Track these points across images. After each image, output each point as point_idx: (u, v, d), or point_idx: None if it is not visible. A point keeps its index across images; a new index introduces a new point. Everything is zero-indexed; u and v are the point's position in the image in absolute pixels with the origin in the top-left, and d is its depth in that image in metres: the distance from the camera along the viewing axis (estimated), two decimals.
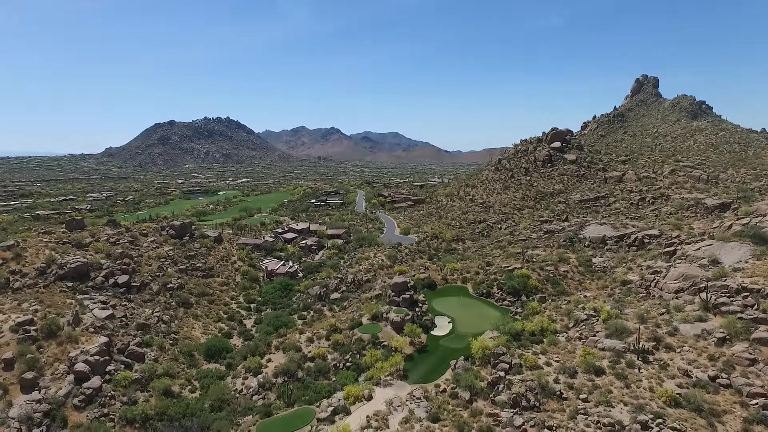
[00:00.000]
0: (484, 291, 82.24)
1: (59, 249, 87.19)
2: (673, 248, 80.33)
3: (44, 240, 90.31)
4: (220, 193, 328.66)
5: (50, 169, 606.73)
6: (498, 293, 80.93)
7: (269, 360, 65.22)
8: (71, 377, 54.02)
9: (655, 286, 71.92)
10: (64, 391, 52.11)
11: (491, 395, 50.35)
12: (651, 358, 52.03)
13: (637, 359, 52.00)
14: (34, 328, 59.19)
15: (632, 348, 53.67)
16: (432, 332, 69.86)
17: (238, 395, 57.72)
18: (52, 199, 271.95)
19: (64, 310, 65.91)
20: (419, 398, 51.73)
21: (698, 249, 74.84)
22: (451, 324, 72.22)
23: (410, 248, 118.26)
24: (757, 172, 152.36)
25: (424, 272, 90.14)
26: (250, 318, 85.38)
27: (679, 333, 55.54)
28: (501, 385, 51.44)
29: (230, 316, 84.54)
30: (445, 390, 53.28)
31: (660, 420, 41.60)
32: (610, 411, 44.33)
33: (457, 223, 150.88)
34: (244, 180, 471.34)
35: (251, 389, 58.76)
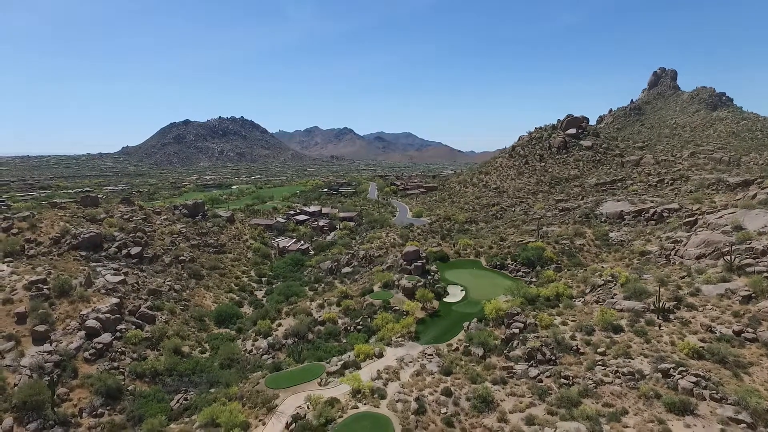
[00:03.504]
0: (498, 263, 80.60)
1: (74, 222, 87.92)
2: (693, 218, 77.81)
3: (59, 214, 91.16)
4: (234, 187, 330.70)
5: (68, 167, 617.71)
6: (512, 265, 79.25)
7: (279, 324, 64.66)
8: (82, 333, 54.05)
9: (675, 255, 69.63)
10: (75, 344, 52.11)
11: (505, 351, 49.00)
12: (672, 316, 50.10)
13: (657, 318, 50.09)
14: (47, 286, 59.48)
15: (652, 308, 51.75)
16: (444, 299, 68.55)
17: (248, 355, 57.18)
18: (70, 191, 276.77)
19: (76, 274, 66.18)
20: (431, 355, 50.53)
21: (720, 217, 72.36)
22: (463, 292, 70.80)
23: (422, 229, 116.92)
24: None
25: (436, 246, 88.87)
26: (260, 290, 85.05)
27: (701, 293, 53.45)
28: (515, 342, 50.01)
29: (241, 287, 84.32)
30: (457, 348, 52.03)
31: (682, 368, 39.83)
32: (629, 362, 42.64)
33: (470, 207, 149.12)
34: (257, 177, 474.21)
35: (261, 349, 58.20)
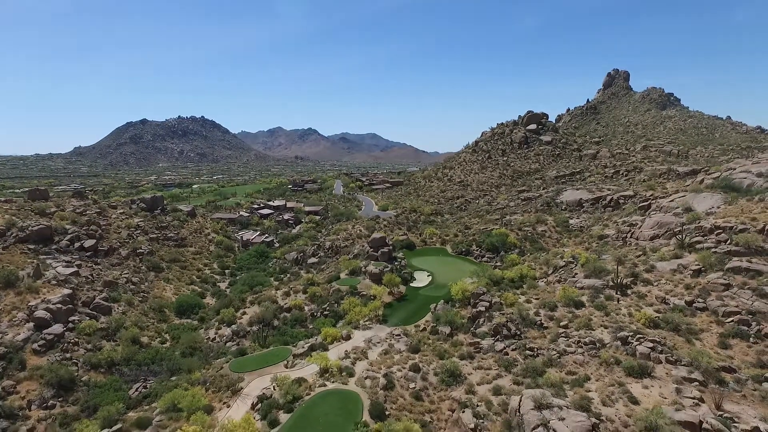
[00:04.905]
0: (463, 249, 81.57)
1: (21, 215, 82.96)
2: (647, 203, 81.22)
3: (5, 207, 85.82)
4: (195, 186, 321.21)
5: (15, 168, 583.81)
6: (477, 251, 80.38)
7: (244, 313, 63.10)
8: (30, 324, 51.00)
9: (631, 237, 72.42)
10: (23, 336, 49.10)
11: (472, 328, 49.56)
12: (629, 291, 51.97)
13: (616, 293, 51.85)
14: None
15: (611, 284, 53.52)
16: (411, 284, 68.68)
17: (211, 343, 55.46)
18: (17, 191, 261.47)
19: (23, 266, 62.42)
20: (399, 335, 50.52)
21: (672, 201, 75.80)
22: (430, 277, 71.19)
23: (389, 220, 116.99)
24: (723, 147, 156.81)
25: (402, 235, 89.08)
26: (224, 281, 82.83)
27: (655, 269, 55.64)
28: (482, 319, 50.70)
29: (203, 279, 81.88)
30: (425, 329, 52.22)
31: (640, 336, 41.36)
32: (590, 333, 43.93)
33: (435, 200, 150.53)
34: (219, 177, 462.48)
35: (225, 337, 56.63)
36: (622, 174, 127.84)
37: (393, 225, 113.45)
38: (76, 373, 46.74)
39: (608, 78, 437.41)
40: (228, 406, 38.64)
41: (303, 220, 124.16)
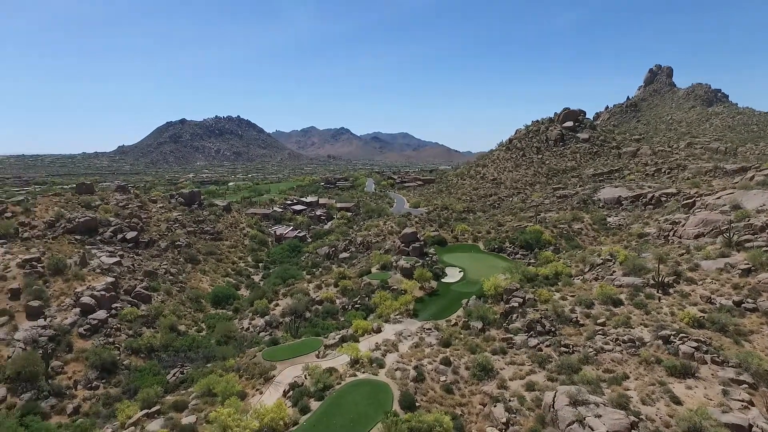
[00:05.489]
0: (496, 246, 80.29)
1: (68, 207, 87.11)
2: (692, 201, 77.83)
3: (54, 200, 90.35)
4: (230, 183, 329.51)
5: (63, 166, 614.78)
6: (510, 248, 79.00)
7: (276, 305, 64.16)
8: (77, 309, 53.49)
9: (673, 235, 69.65)
10: (70, 320, 51.56)
11: (504, 324, 48.73)
12: (671, 290, 49.87)
13: (657, 292, 49.84)
14: (41, 265, 58.90)
15: (651, 282, 51.50)
16: (443, 280, 68.14)
17: (245, 332, 56.69)
18: (65, 186, 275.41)
19: (71, 254, 65.51)
20: (430, 329, 50.19)
21: (719, 198, 72.40)
22: (462, 273, 70.45)
23: (420, 217, 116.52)
24: None
25: (434, 231, 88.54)
26: (257, 274, 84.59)
27: (700, 268, 53.19)
28: (515, 315, 49.77)
29: (238, 272, 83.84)
30: (456, 324, 51.73)
31: (683, 335, 39.58)
32: (629, 331, 42.36)
33: (468, 198, 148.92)
34: (253, 175, 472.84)
35: (258, 327, 57.75)
36: (664, 172, 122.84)
37: (424, 222, 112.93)
38: (118, 357, 48.70)
39: (650, 74, 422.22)
40: (261, 393, 39.33)
41: (335, 216, 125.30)
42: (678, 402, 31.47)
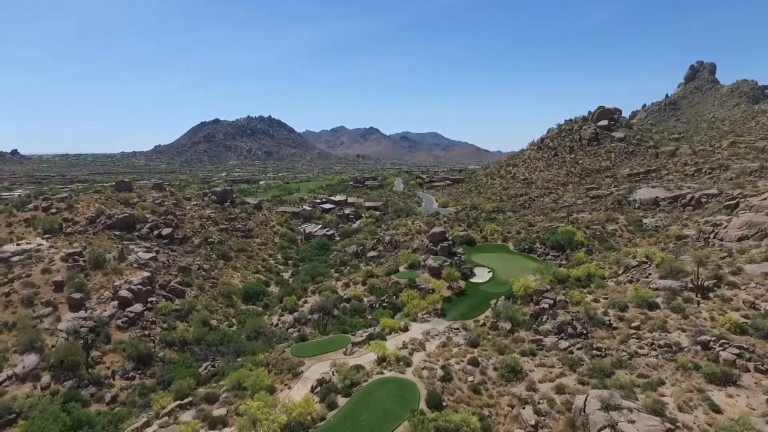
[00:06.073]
0: (526, 247, 78.94)
1: (108, 204, 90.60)
2: (735, 202, 74.42)
3: (95, 197, 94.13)
4: (261, 182, 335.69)
5: (104, 165, 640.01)
6: (541, 248, 77.50)
7: (305, 301, 64.98)
8: (115, 302, 55.57)
9: (714, 237, 66.80)
10: (109, 313, 53.59)
11: (534, 325, 47.85)
12: (711, 294, 47.82)
13: (696, 296, 47.88)
14: (82, 259, 61.44)
15: (690, 286, 49.48)
16: (471, 280, 67.49)
17: (274, 328, 57.62)
18: (105, 184, 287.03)
19: (110, 249, 68.08)
20: (457, 329, 49.80)
21: (765, 199, 68.94)
22: (491, 273, 69.59)
23: (449, 217, 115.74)
24: None
25: (463, 231, 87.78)
26: (287, 271, 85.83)
27: (743, 272, 50.83)
28: (545, 317, 48.81)
29: (268, 269, 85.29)
30: (484, 324, 51.16)
31: (724, 341, 37.88)
32: (666, 335, 40.86)
33: (497, 198, 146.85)
34: (284, 174, 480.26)
35: (287, 323, 58.60)
36: (705, 172, 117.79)
37: (453, 221, 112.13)
38: (153, 349, 50.32)
39: (691, 71, 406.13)
40: (289, 388, 39.90)
41: (363, 215, 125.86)
42: (718, 410, 30.16)
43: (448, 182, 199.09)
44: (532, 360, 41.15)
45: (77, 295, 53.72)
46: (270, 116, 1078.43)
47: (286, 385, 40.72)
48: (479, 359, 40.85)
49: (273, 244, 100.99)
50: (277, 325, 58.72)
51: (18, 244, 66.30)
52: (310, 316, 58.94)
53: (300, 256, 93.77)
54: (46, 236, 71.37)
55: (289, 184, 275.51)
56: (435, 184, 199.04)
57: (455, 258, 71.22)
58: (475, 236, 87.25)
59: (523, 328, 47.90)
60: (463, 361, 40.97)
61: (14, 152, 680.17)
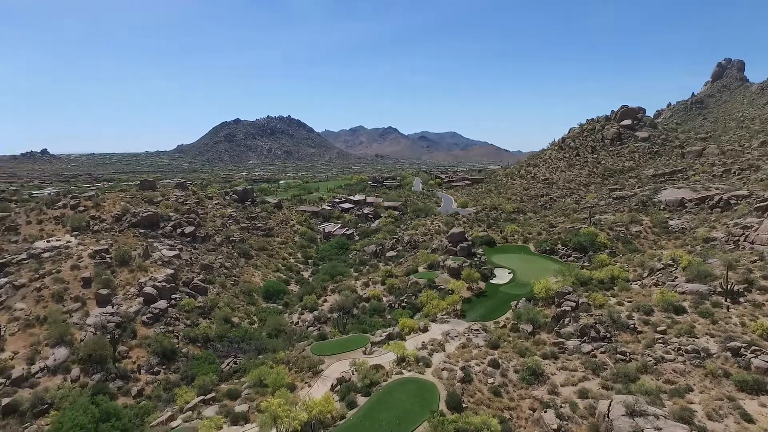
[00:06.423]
0: (547, 248, 77.84)
1: (133, 203, 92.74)
2: (766, 204, 72.10)
3: (120, 195, 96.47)
4: (281, 181, 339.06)
5: (129, 164, 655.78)
6: (562, 250, 76.34)
7: (325, 300, 65.37)
8: (141, 299, 56.84)
9: (744, 240, 64.84)
10: (134, 309, 54.86)
11: (556, 328, 47.18)
12: (741, 299, 46.42)
13: (725, 300, 46.54)
14: (109, 256, 63.01)
15: (719, 290, 48.12)
16: (491, 281, 66.94)
17: (294, 326, 58.14)
18: (130, 183, 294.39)
19: (135, 247, 69.64)
20: (477, 330, 49.44)
21: None
22: (511, 274, 68.91)
23: (468, 217, 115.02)
24: None
25: (482, 232, 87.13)
26: (307, 270, 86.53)
27: None
28: (567, 319, 48.04)
29: (288, 267, 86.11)
30: (505, 326, 50.66)
31: (756, 348, 36.77)
32: (693, 341, 39.84)
33: (518, 198, 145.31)
34: (303, 173, 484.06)
35: (307, 322, 59.08)
36: (734, 173, 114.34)
37: (472, 221, 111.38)
38: (177, 345, 51.36)
39: (718, 69, 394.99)
40: (309, 386, 40.20)
41: (382, 215, 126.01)
42: (750, 420, 29.31)
43: (468, 182, 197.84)
44: (554, 363, 40.61)
45: (104, 291, 55.15)
46: (289, 116, 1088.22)
47: (306, 383, 41.04)
48: (500, 361, 40.51)
49: (293, 243, 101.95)
50: (297, 323, 59.24)
51: (48, 241, 68.41)
52: (329, 315, 59.28)
53: (320, 255, 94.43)
54: (74, 233, 73.45)
55: (308, 184, 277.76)
56: (454, 184, 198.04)
57: (475, 259, 70.74)
58: (495, 237, 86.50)
59: (545, 331, 47.28)
60: (483, 363, 40.69)
61: (44, 152, 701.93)
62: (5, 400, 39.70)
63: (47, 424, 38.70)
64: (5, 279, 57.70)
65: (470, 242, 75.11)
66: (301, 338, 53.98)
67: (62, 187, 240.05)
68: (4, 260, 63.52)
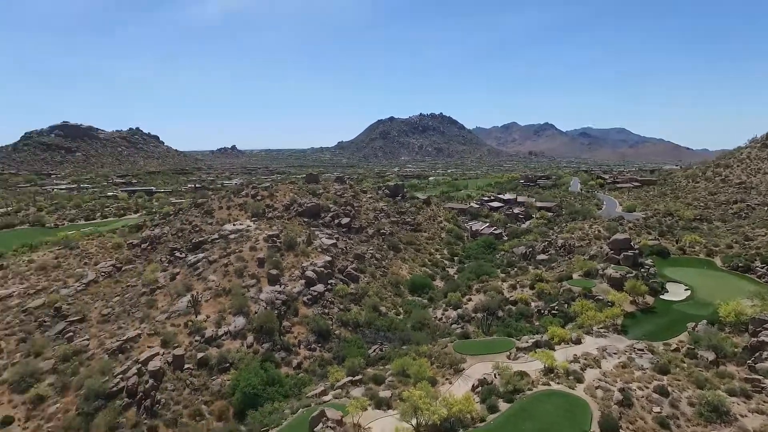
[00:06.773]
0: (740, 264, 65.31)
1: (300, 194, 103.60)
2: None
3: (290, 187, 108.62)
4: (431, 178, 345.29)
5: (297, 159, 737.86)
6: (761, 268, 63.23)
7: (469, 299, 64.70)
8: (303, 281, 63.23)
9: None
10: (297, 289, 61.28)
11: (749, 361, 39.30)
12: None
13: None
14: (279, 240, 71.48)
15: None
16: (662, 297, 58.75)
17: (438, 322, 58.75)
18: (298, 176, 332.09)
19: (300, 233, 77.78)
20: (641, 350, 43.80)
21: None
22: (688, 291, 59.55)
23: (635, 223, 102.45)
24: None
25: (653, 240, 76.84)
26: (452, 267, 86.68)
27: None
28: (765, 352, 39.69)
29: (434, 263, 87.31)
30: (677, 349, 44.00)
31: None
32: None
33: (701, 204, 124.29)
34: (452, 170, 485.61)
35: (450, 319, 59.18)
36: None
37: (640, 228, 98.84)
38: (331, 327, 55.95)
39: None
40: (450, 383, 40.19)
41: (533, 216, 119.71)
42: None
43: (636, 184, 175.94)
44: (744, 403, 33.94)
45: (274, 272, 62.80)
46: (441, 113, 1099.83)
47: (447, 379, 41.11)
48: (669, 389, 35.29)
49: (440, 239, 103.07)
50: (440, 319, 59.75)
51: (234, 224, 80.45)
52: (473, 315, 58.50)
53: (466, 253, 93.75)
54: (253, 219, 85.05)
55: (457, 181, 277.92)
56: (619, 185, 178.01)
57: (642, 270, 62.76)
58: (670, 247, 75.66)
59: (733, 363, 39.83)
60: (647, 388, 35.91)
61: (233, 147, 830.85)
62: (200, 355, 47.94)
63: (228, 380, 45.72)
64: (203, 254, 69.64)
65: (637, 251, 66.82)
66: (444, 334, 54.25)
67: (245, 178, 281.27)
68: (202, 239, 76.78)
